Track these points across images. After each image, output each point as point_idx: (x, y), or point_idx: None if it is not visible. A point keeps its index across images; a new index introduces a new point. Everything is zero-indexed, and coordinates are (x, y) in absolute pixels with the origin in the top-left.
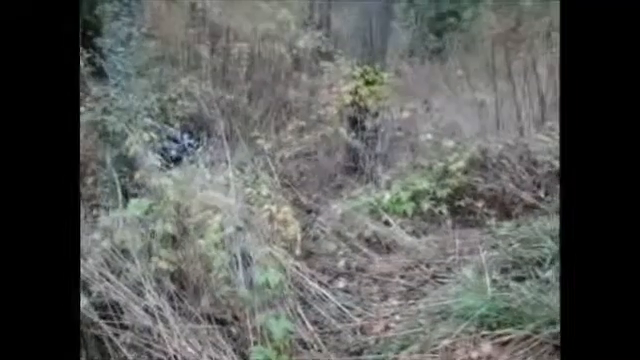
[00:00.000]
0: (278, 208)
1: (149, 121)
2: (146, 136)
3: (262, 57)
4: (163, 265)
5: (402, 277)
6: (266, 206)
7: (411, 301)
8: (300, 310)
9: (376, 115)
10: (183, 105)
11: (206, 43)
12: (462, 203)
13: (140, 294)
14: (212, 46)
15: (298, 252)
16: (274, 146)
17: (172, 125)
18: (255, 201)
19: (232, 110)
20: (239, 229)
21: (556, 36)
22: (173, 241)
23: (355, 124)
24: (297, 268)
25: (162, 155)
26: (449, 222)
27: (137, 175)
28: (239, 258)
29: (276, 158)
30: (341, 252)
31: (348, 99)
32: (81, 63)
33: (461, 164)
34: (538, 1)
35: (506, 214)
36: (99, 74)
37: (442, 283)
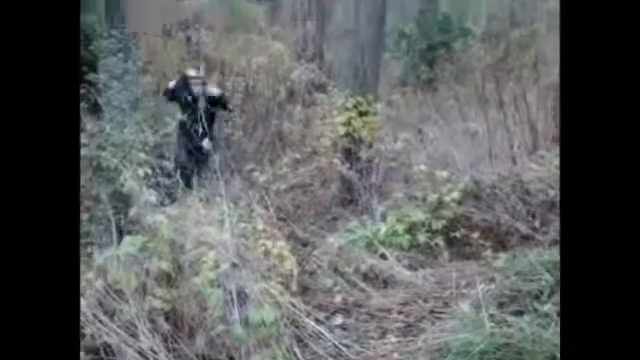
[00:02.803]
0: (274, 243)
1: (143, 156)
2: (141, 171)
3: (256, 90)
4: (157, 304)
5: (400, 313)
6: (261, 241)
7: (409, 338)
8: (296, 349)
9: (370, 146)
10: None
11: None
12: (458, 234)
13: (134, 335)
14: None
15: (294, 288)
16: (269, 179)
17: (167, 159)
18: (250, 236)
19: (226, 143)
20: (234, 265)
21: (542, 68)
22: (168, 279)
23: (349, 155)
24: (293, 305)
25: (157, 190)
26: (445, 254)
27: (132, 211)
28: (234, 295)
29: (271, 191)
30: (338, 287)
31: (342, 130)
32: None
33: (455, 195)
34: (524, 34)
35: (502, 245)
36: (94, 109)
37: (440, 318)
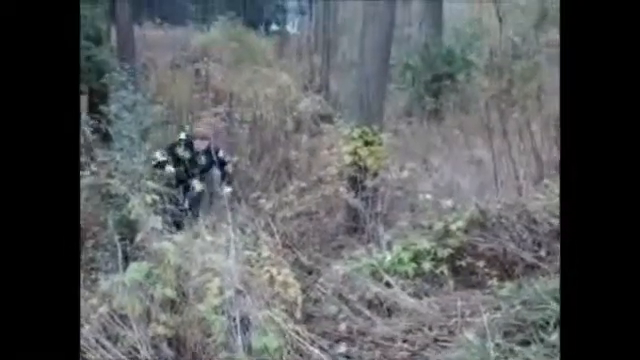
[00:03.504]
0: (279, 270)
1: (151, 184)
2: (148, 199)
3: (264, 120)
4: (161, 330)
5: (404, 341)
6: (266, 268)
7: None
8: None
9: (376, 175)
10: None
11: (210, 107)
12: (463, 263)
13: None
14: (216, 110)
15: (298, 315)
16: (275, 206)
17: (175, 187)
18: (255, 263)
19: (234, 171)
20: (239, 292)
21: (545, 98)
22: (172, 305)
23: (355, 184)
24: (297, 332)
25: (163, 218)
26: (451, 283)
27: (138, 238)
28: (238, 322)
29: (277, 218)
30: (342, 315)
31: (348, 159)
32: (87, 129)
33: (461, 224)
34: (526, 66)
35: (507, 274)
36: (104, 139)
37: (445, 347)
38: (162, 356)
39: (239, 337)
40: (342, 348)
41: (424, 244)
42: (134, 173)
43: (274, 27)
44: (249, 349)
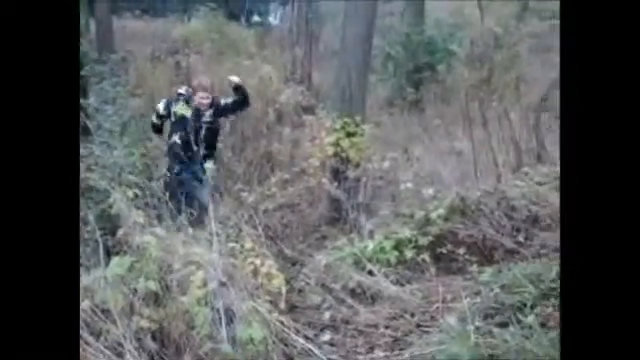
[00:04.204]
0: (262, 261)
1: (132, 178)
2: (130, 193)
3: (245, 112)
4: (144, 324)
5: (387, 327)
6: (250, 260)
7: (397, 352)
8: None
9: (358, 165)
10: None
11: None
12: (444, 250)
13: (120, 355)
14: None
15: (282, 306)
16: (258, 198)
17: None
18: (239, 255)
19: (215, 164)
20: (222, 284)
21: (524, 87)
22: (155, 299)
23: (337, 175)
24: (281, 322)
25: (145, 211)
26: (432, 270)
27: (120, 232)
28: (222, 314)
29: (260, 210)
30: (326, 304)
31: (330, 151)
32: None
33: (441, 212)
34: (506, 56)
35: (487, 260)
36: (84, 133)
37: (427, 332)
38: (146, 349)
39: (223, 329)
40: (326, 336)
41: (405, 233)
42: (114, 167)
43: (256, 18)
44: (233, 340)
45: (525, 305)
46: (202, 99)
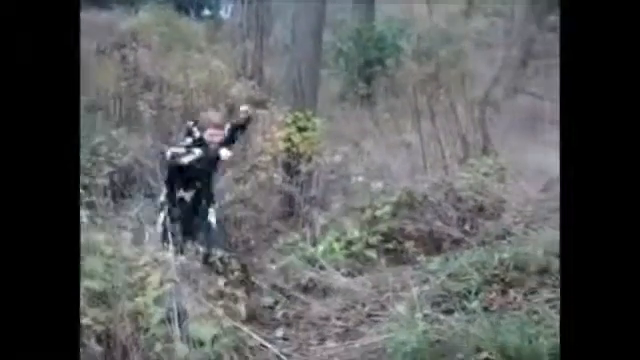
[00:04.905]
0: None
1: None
2: None
3: (195, 107)
4: (88, 324)
5: (338, 319)
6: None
7: (348, 342)
8: None
9: (310, 160)
10: (115, 157)
11: (139, 95)
12: (392, 245)
13: None
14: (145, 97)
15: (235, 304)
16: None
17: (104, 178)
18: (190, 253)
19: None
20: (174, 283)
21: (468, 82)
22: (102, 299)
23: (290, 169)
24: (234, 320)
25: (91, 210)
26: (382, 261)
27: None
28: (174, 314)
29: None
30: (278, 300)
31: (282, 145)
32: None
33: (388, 208)
34: (452, 51)
35: (436, 249)
36: None
37: (377, 321)
38: (89, 352)
39: (175, 328)
40: (279, 332)
41: (355, 233)
42: None
43: (206, 12)
44: (186, 340)
45: (470, 292)
46: (214, 136)
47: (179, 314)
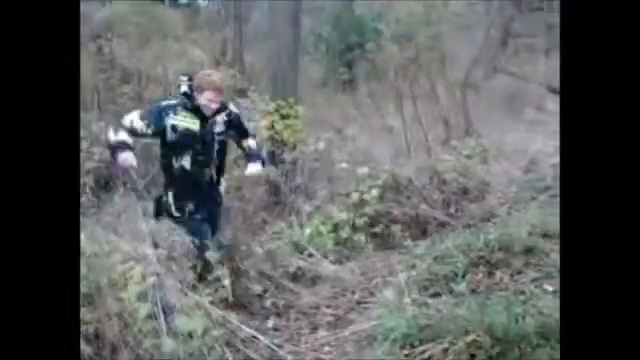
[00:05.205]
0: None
1: None
2: None
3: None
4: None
5: (328, 307)
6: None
7: (339, 330)
8: (230, 356)
9: (294, 148)
10: (95, 152)
11: (117, 88)
12: (379, 229)
13: None
14: (123, 90)
15: (224, 295)
16: None
17: (85, 175)
18: (178, 246)
19: (146, 155)
20: (160, 278)
21: (449, 65)
22: (87, 299)
23: (274, 158)
24: (224, 312)
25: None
26: (369, 247)
27: None
28: (161, 309)
29: None
30: (268, 290)
31: (265, 134)
32: None
33: (375, 192)
34: (431, 34)
35: (422, 233)
36: None
37: (367, 308)
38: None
39: (163, 323)
40: (270, 323)
41: (342, 216)
42: None
43: (183, 0)
44: (174, 334)
45: (457, 275)
46: (210, 102)
47: (164, 308)
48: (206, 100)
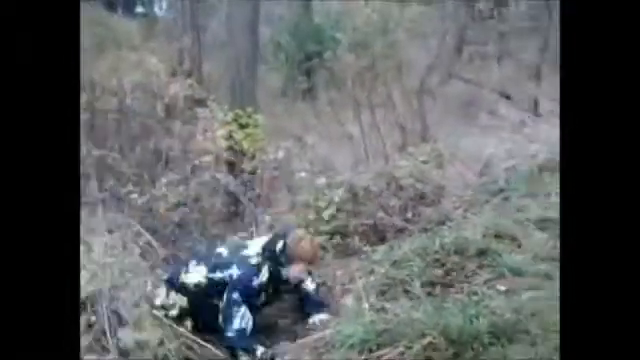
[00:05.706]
0: (155, 264)
1: None
2: None
3: (131, 109)
4: None
5: (286, 318)
6: (143, 264)
7: (299, 340)
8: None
9: (253, 157)
10: None
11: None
12: (338, 240)
13: None
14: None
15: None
16: (150, 199)
17: None
18: (132, 258)
19: (103, 166)
20: (115, 289)
21: (405, 72)
22: None
23: (233, 168)
24: (178, 325)
25: None
26: (329, 255)
27: None
28: (113, 321)
29: (153, 211)
30: None
31: (224, 144)
32: None
33: (334, 205)
34: (388, 42)
35: (380, 240)
36: None
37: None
38: None
39: (114, 336)
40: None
41: (302, 225)
42: None
43: (139, 9)
44: (125, 346)
45: (412, 279)
46: (300, 273)
47: (109, 319)
48: (296, 272)
